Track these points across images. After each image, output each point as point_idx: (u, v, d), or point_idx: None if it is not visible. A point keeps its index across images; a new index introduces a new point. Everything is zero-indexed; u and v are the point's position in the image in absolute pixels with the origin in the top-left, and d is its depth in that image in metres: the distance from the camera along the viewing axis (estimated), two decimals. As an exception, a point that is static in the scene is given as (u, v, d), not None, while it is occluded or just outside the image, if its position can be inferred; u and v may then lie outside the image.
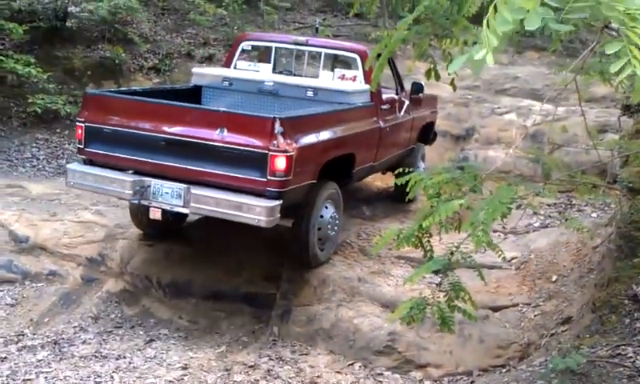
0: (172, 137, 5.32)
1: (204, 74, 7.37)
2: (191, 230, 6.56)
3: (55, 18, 10.70)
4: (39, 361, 5.15)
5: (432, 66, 4.45)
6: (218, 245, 6.27)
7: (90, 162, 5.68)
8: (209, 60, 11.80)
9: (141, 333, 5.61)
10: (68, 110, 9.51)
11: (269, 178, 5.00)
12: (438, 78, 4.45)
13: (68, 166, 6.00)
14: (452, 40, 4.08)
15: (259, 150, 4.99)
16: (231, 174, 5.11)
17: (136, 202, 5.43)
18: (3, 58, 9.06)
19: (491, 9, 2.13)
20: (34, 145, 9.14)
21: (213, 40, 12.56)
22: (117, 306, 5.96)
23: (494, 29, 2.11)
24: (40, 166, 8.72)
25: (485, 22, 2.16)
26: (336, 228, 6.03)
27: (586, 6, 2.09)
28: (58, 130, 9.53)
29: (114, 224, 6.72)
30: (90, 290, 6.15)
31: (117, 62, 10.81)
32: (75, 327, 5.66)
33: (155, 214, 5.35)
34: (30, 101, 9.21)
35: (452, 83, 4.72)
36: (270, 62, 7.27)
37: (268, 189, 5.03)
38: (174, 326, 5.71)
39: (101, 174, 5.54)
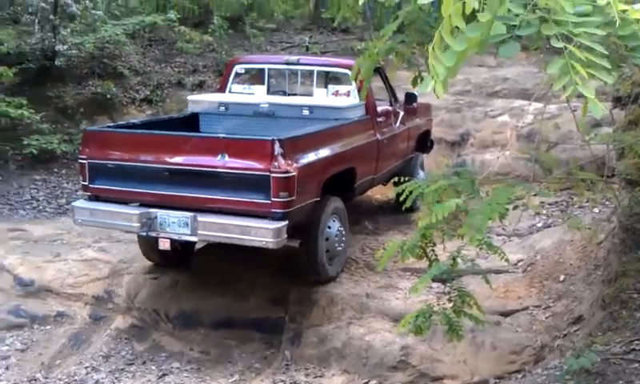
0: (174, 166, 5.38)
1: (200, 100, 7.42)
2: (195, 260, 6.55)
3: (44, 57, 10.72)
4: (53, 405, 5.14)
5: (417, 74, 4.48)
6: (222, 272, 6.25)
7: (95, 198, 5.71)
8: (199, 87, 11.85)
9: (153, 368, 5.59)
10: (64, 149, 9.52)
11: (273, 199, 5.03)
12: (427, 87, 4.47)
13: (74, 204, 6.02)
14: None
15: (261, 173, 5.04)
16: (235, 199, 5.16)
17: (144, 234, 5.47)
18: (-5, 103, 9.09)
19: (437, 37, 2.15)
20: (33, 186, 9.13)
21: (202, 67, 12.62)
22: (127, 343, 5.93)
23: (445, 62, 2.14)
24: (40, 207, 8.70)
25: (430, 51, 2.18)
26: (343, 242, 6.07)
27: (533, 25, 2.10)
28: (55, 170, 9.52)
29: (117, 260, 6.71)
30: (99, 328, 6.12)
31: (108, 96, 10.84)
32: (87, 367, 5.63)
33: (164, 245, 5.38)
34: (25, 143, 9.21)
35: (443, 86, 4.72)
36: (263, 84, 7.32)
37: (273, 210, 5.06)
38: (186, 358, 5.69)
39: (107, 209, 5.58)
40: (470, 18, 2.13)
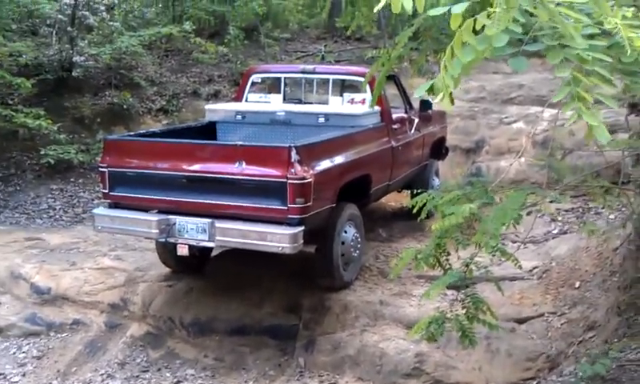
0: (192, 174, 5.46)
1: (217, 109, 7.54)
2: (209, 267, 6.58)
3: (61, 68, 10.87)
4: (69, 411, 5.18)
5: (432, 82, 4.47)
6: (236, 280, 6.28)
7: (114, 205, 5.81)
8: (215, 96, 11.93)
9: (168, 375, 5.61)
10: (81, 159, 9.63)
11: (289, 205, 5.09)
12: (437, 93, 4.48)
13: (94, 211, 6.14)
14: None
15: (278, 180, 5.10)
16: (252, 205, 5.23)
17: (163, 240, 5.56)
18: (14, 114, 9.21)
19: (448, 51, 2.16)
20: (50, 196, 9.24)
21: (217, 77, 12.70)
22: (142, 350, 5.96)
23: (451, 72, 2.16)
24: (57, 217, 8.80)
25: (442, 65, 2.20)
26: (358, 248, 6.13)
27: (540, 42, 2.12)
28: (72, 180, 9.63)
29: (133, 268, 6.77)
30: (115, 335, 6.17)
31: (125, 106, 10.95)
32: (102, 375, 5.67)
33: (182, 250, 5.45)
34: (42, 153, 9.33)
35: (449, 97, 4.73)
36: (280, 93, 7.42)
37: (289, 216, 5.12)
38: (200, 365, 5.70)
39: (127, 216, 5.68)
40: (480, 30, 2.15)
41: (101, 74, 11.52)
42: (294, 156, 5.09)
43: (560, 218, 7.11)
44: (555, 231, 6.89)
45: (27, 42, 10.81)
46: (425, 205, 3.97)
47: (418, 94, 2.54)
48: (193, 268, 6.43)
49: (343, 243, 5.87)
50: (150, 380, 5.56)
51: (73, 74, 10.93)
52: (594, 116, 2.06)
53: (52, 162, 9.30)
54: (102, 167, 5.81)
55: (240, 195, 5.25)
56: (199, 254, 6.13)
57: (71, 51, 10.75)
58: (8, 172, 9.50)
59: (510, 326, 5.27)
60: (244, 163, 5.23)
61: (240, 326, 5.89)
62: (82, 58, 10.77)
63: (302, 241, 5.15)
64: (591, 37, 2.13)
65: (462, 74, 2.19)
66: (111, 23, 11.35)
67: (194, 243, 5.44)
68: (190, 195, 5.43)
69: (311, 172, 5.17)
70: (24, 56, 10.45)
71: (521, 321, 5.42)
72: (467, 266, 3.89)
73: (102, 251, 7.27)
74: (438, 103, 2.38)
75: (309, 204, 5.15)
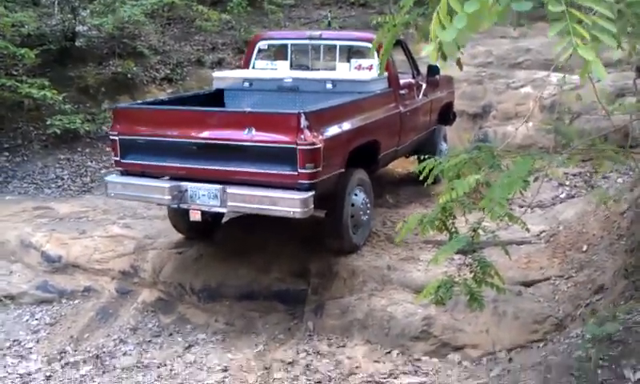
0: (203, 141, 5.50)
1: (225, 77, 7.56)
2: (218, 234, 6.63)
3: (64, 38, 10.82)
4: (83, 376, 5.28)
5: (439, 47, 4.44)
6: (245, 246, 6.33)
7: (126, 172, 5.86)
8: (219, 64, 11.88)
9: (179, 339, 5.70)
10: (87, 128, 9.64)
11: (299, 171, 5.15)
12: (445, 58, 4.46)
13: (106, 178, 6.18)
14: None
15: (288, 145, 5.14)
16: (263, 171, 5.28)
17: (175, 206, 5.63)
18: (18, 84, 9.18)
19: (443, 2, 2.12)
20: (57, 165, 9.27)
21: (221, 44, 12.63)
22: (153, 316, 6.05)
23: (455, 25, 2.12)
24: (65, 186, 8.84)
25: (434, 16, 2.16)
26: (368, 212, 6.21)
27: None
28: (79, 149, 9.65)
29: (142, 235, 6.82)
30: (126, 302, 6.25)
31: (129, 76, 10.91)
32: (115, 340, 5.76)
33: (195, 216, 5.52)
34: (48, 123, 9.32)
35: (458, 63, 4.72)
36: (287, 59, 7.42)
37: (299, 181, 5.18)
38: (211, 329, 5.78)
39: (139, 183, 5.74)
40: None
41: (104, 44, 11.45)
42: (303, 122, 5.12)
43: (567, 183, 7.12)
44: (563, 195, 6.90)
45: (29, 13, 10.71)
46: (431, 170, 3.98)
47: (425, 51, 2.51)
48: (205, 234, 6.51)
49: (353, 207, 5.94)
50: (161, 344, 5.64)
51: (76, 43, 10.88)
52: (590, 50, 1.99)
53: (58, 131, 9.31)
54: (112, 135, 5.86)
55: (250, 161, 5.30)
56: (211, 219, 6.21)
57: (74, 21, 10.69)
58: (15, 142, 9.52)
59: (517, 290, 5.31)
60: (253, 130, 5.26)
61: (249, 292, 5.96)
62: (85, 28, 10.72)
63: (312, 205, 5.20)
64: None
65: (469, 28, 2.14)
66: (113, -8, 11.24)
67: (205, 209, 5.49)
68: (201, 162, 5.48)
69: (320, 137, 5.21)
70: (26, 26, 10.37)
71: (528, 284, 5.46)
72: (474, 230, 3.90)
73: (110, 219, 7.33)
74: (453, 66, 2.34)
75: (318, 169, 5.20)
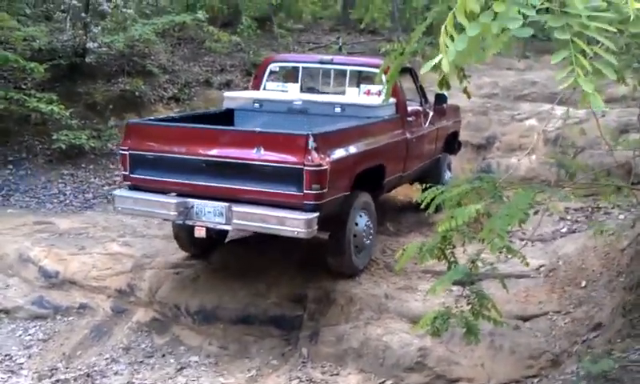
0: (211, 158, 5.56)
1: (235, 97, 7.65)
2: (216, 256, 6.60)
3: (74, 54, 10.92)
4: (73, 394, 5.23)
5: (443, 75, 4.46)
6: (242, 269, 6.31)
7: (134, 187, 5.91)
8: (227, 86, 11.94)
9: (172, 361, 5.65)
10: (92, 144, 9.68)
11: (305, 191, 5.19)
12: (448, 87, 4.48)
13: (114, 192, 6.27)
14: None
15: (295, 166, 5.20)
16: (269, 190, 5.32)
17: (181, 222, 5.67)
18: (26, 98, 9.26)
19: (450, 16, 2.13)
20: (60, 181, 9.29)
21: (229, 66, 12.72)
22: (147, 336, 6.01)
23: (457, 46, 2.13)
24: (67, 202, 8.85)
25: (442, 30, 2.17)
26: (371, 237, 6.22)
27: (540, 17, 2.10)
28: (83, 165, 9.68)
29: (140, 254, 6.80)
30: (121, 321, 6.21)
31: (137, 94, 10.98)
32: (107, 359, 5.72)
33: (200, 232, 5.56)
34: (54, 138, 9.39)
35: (466, 91, 4.74)
36: (297, 82, 7.51)
37: (305, 202, 5.21)
38: (204, 352, 5.73)
39: (147, 198, 5.78)
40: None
41: (114, 61, 11.54)
42: (311, 143, 5.17)
43: (569, 217, 7.07)
44: (564, 230, 6.85)
45: (41, 27, 10.88)
46: (433, 199, 3.96)
47: (425, 70, 2.51)
48: (209, 252, 6.55)
49: (356, 229, 5.96)
50: (154, 365, 5.60)
51: (86, 60, 10.97)
52: (590, 83, 2.02)
53: (63, 147, 9.36)
54: (123, 150, 5.91)
55: (257, 180, 5.35)
56: (216, 236, 6.25)
57: (85, 37, 10.79)
58: (19, 156, 9.57)
59: (514, 324, 5.25)
60: (262, 149, 5.32)
61: (245, 315, 5.91)
62: (96, 45, 10.80)
63: (316, 226, 5.24)
64: (596, 10, 2.10)
65: (469, 49, 2.14)
66: (125, 10, 11.38)
67: (211, 226, 5.53)
68: (209, 179, 5.53)
69: (327, 159, 5.26)
70: (38, 41, 10.49)
71: (525, 318, 5.40)
72: (473, 262, 3.87)
73: (110, 237, 7.32)
74: (459, 95, 2.34)
75: (324, 191, 5.24)
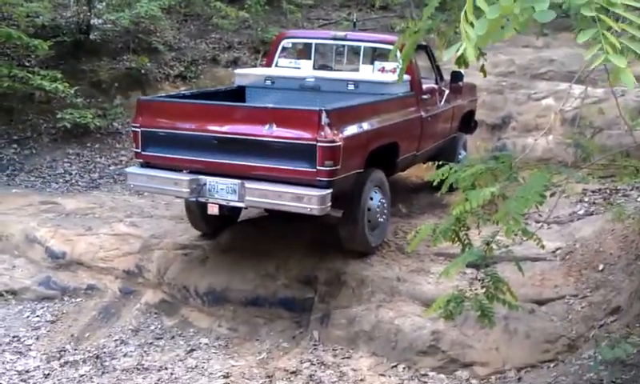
0: (223, 135, 5.50)
1: (247, 74, 7.55)
2: (225, 237, 6.51)
3: (79, 31, 10.75)
4: (81, 376, 5.18)
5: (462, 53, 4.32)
6: (252, 250, 6.22)
7: (146, 164, 5.85)
8: (234, 64, 11.75)
9: (181, 343, 5.59)
10: (97, 123, 9.55)
11: (318, 168, 5.13)
12: (467, 65, 4.35)
13: (127, 169, 6.30)
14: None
15: (308, 142, 5.14)
16: (282, 167, 5.27)
17: (194, 199, 5.63)
18: (30, 76, 9.12)
19: (469, 2, 2.06)
20: (66, 160, 9.19)
21: (237, 43, 12.51)
22: (156, 317, 5.94)
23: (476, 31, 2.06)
24: (73, 181, 8.76)
25: (462, 16, 2.10)
26: (384, 215, 6.13)
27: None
28: (88, 144, 9.57)
29: (148, 235, 6.72)
30: (129, 302, 6.15)
31: (143, 71, 10.83)
32: (116, 340, 5.66)
33: (213, 210, 5.54)
34: (58, 116, 9.25)
35: (482, 69, 4.61)
36: (310, 58, 7.40)
37: (318, 178, 5.16)
38: (214, 334, 5.67)
39: (159, 175, 5.74)
40: None
41: (119, 38, 11.37)
42: (324, 119, 5.11)
43: (586, 199, 6.92)
44: (581, 212, 6.70)
45: (44, 3, 10.64)
46: (446, 178, 3.85)
47: (447, 57, 2.42)
48: (221, 231, 6.48)
49: (369, 209, 5.88)
50: (163, 347, 5.53)
51: (90, 37, 10.82)
52: (622, 58, 1.95)
53: (68, 125, 9.23)
54: (134, 127, 5.85)
55: (270, 157, 5.29)
56: (228, 214, 6.13)
57: (89, 14, 10.63)
58: (24, 135, 9.46)
59: (529, 307, 5.15)
60: (274, 125, 5.26)
61: (255, 297, 5.83)
62: (100, 21, 10.64)
63: (329, 203, 5.18)
64: None
65: (489, 33, 2.05)
66: (130, -14, 11.18)
67: (224, 203, 5.49)
68: (221, 156, 5.48)
69: (340, 136, 5.20)
70: (41, 17, 10.33)
71: (541, 302, 5.30)
72: (488, 244, 3.77)
73: (117, 217, 7.24)
74: (475, 73, 2.27)
75: (337, 167, 5.19)
